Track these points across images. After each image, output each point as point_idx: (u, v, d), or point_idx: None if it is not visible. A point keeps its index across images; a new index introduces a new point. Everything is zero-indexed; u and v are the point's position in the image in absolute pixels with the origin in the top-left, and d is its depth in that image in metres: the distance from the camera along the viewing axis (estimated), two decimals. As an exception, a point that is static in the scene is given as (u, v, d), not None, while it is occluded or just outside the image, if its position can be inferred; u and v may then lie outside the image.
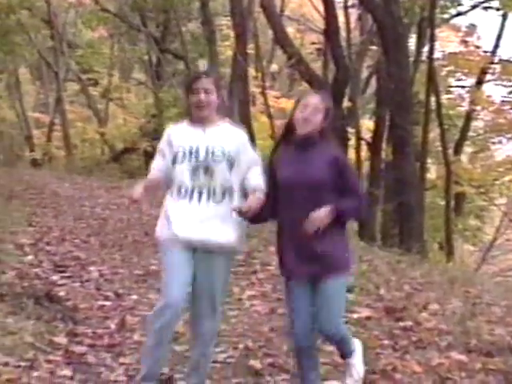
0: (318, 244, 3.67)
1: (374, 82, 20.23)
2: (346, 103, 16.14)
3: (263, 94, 18.08)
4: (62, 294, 6.11)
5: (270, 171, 3.85)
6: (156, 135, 24.14)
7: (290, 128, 3.83)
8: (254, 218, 3.78)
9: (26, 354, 4.44)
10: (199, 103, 3.90)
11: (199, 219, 3.81)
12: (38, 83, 31.01)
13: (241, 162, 3.91)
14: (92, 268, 7.22)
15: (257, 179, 3.89)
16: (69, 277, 6.86)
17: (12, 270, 6.87)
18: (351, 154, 17.86)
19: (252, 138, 17.47)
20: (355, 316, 5.65)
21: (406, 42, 13.03)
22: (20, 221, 9.93)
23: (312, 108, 3.74)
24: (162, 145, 4.01)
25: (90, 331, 5.11)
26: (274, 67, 25.98)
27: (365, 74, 21.23)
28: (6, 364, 4.24)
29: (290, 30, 22.17)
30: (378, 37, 14.10)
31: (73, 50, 26.53)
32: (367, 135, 18.37)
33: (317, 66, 19.45)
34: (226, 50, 23.00)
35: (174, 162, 3.91)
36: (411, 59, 14.98)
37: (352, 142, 17.18)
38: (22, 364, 4.28)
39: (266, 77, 19.57)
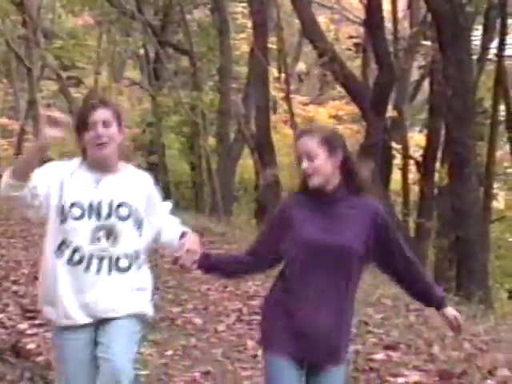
0: (337, 332, 3.68)
1: (426, 86, 20.25)
2: (390, 112, 16.15)
3: (287, 99, 18.12)
4: (31, 346, 6.10)
5: (278, 219, 3.78)
6: (152, 148, 24.36)
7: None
8: (208, 263, 3.87)
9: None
10: (98, 139, 3.84)
11: (99, 294, 3.80)
12: (5, 81, 31.28)
13: (152, 219, 3.94)
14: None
15: (175, 226, 3.99)
16: (40, 325, 6.83)
17: (-31, 315, 6.87)
18: (396, 175, 17.89)
19: (271, 154, 17.59)
20: (400, 380, 5.63)
21: (469, 35, 13.03)
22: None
23: (306, 156, 3.66)
24: (51, 171, 3.89)
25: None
26: (301, 66, 26.10)
27: (415, 75, 21.26)
28: None
29: (322, 19, 22.28)
30: (433, 29, 14.11)
31: (50, 40, 26.79)
32: (417, 153, 18.36)
33: (354, 66, 19.53)
34: (242, 44, 23.16)
35: (62, 214, 3.82)
36: (475, 57, 14.95)
37: (397, 160, 17.18)
38: None
39: (290, 78, 19.64)
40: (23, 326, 6.74)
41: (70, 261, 3.81)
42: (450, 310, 3.83)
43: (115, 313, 3.81)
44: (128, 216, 3.84)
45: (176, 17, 23.00)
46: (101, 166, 3.90)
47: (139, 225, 3.88)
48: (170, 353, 6.32)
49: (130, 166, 4.03)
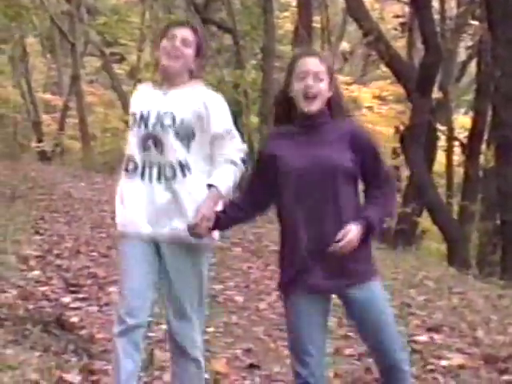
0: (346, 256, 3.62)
1: (472, 66, 20.02)
2: (435, 93, 16.00)
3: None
4: (74, 320, 6.16)
5: (262, 160, 3.77)
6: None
7: (286, 104, 3.72)
8: (220, 223, 3.83)
9: (29, 393, 4.48)
10: (171, 50, 3.93)
11: (154, 205, 3.87)
12: (49, 57, 31.46)
13: (204, 135, 3.93)
14: (112, 289, 7.26)
15: (223, 167, 3.91)
16: (84, 299, 6.92)
17: (14, 288, 6.96)
18: (441, 157, 17.75)
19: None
20: (444, 363, 5.60)
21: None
22: (25, 227, 10.07)
23: (313, 75, 3.62)
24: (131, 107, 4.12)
25: (109, 368, 5.10)
26: (345, 46, 25.91)
27: (462, 56, 21.03)
28: (5, 406, 4.29)
29: (367, -2, 22.09)
30: (482, 8, 13.92)
31: (93, 16, 26.90)
32: (462, 134, 18.19)
33: (400, 46, 19.35)
34: (285, 23, 23.07)
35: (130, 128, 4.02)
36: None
37: (442, 142, 17.04)
38: (24, 407, 4.32)
39: (335, 57, 19.53)
40: (67, 299, 6.82)
41: (126, 171, 3.96)
42: (352, 227, 3.56)
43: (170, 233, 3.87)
44: (169, 126, 3.89)
45: (220, -6, 22.96)
46: (166, 79, 4.00)
47: (182, 137, 3.89)
48: (211, 330, 6.33)
49: (200, 85, 4.05)
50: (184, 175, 3.88)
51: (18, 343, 5.38)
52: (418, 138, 14.05)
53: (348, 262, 3.61)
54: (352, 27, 23.41)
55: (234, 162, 3.93)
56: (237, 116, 21.86)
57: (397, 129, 17.04)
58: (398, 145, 16.39)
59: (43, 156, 26.43)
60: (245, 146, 4.04)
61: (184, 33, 3.96)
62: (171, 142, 3.87)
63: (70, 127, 28.36)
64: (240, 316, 6.87)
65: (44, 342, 5.49)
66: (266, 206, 3.89)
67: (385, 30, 18.81)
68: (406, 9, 19.52)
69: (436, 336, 6.31)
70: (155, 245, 3.95)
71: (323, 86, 3.63)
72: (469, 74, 22.07)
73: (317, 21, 19.03)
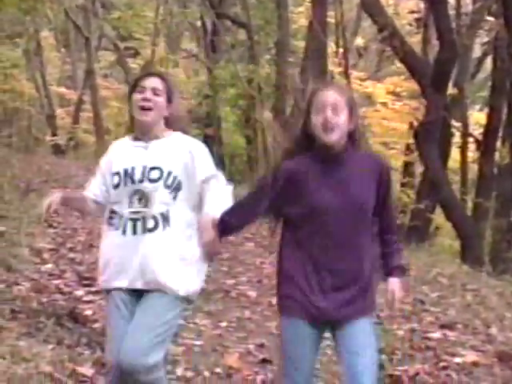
0: (358, 284, 3.64)
1: (488, 63, 19.95)
2: (450, 89, 15.94)
3: (345, 74, 17.99)
4: (88, 313, 6.19)
5: (283, 178, 3.68)
6: (208, 120, 24.42)
7: (306, 137, 3.70)
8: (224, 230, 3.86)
9: (42, 386, 4.48)
10: (143, 102, 3.96)
11: (136, 256, 3.86)
12: (63, 51, 31.54)
13: (191, 184, 3.94)
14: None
15: (213, 199, 3.92)
16: (97, 292, 6.92)
17: (27, 280, 6.98)
18: (455, 154, 17.70)
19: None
20: (458, 360, 5.59)
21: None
22: (38, 220, 10.09)
23: (332, 108, 3.61)
24: (103, 163, 4.14)
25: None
26: (360, 41, 25.87)
27: (477, 52, 20.95)
28: (18, 398, 4.30)
29: (382, -7, 22.04)
30: (499, 4, 13.84)
31: (108, 11, 26.94)
32: (477, 131, 18.11)
33: (415, 41, 19.28)
34: (300, 18, 23.03)
35: (110, 186, 4.02)
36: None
37: (457, 138, 16.97)
38: (37, 399, 4.33)
39: (349, 53, 19.48)
40: (80, 292, 6.85)
41: (111, 226, 3.96)
42: (394, 282, 3.72)
43: (155, 284, 3.86)
44: (158, 179, 3.90)
45: (234, -11, 22.96)
46: (143, 133, 4.03)
47: (172, 188, 3.91)
48: (224, 324, 6.35)
49: (179, 134, 4.06)
50: (164, 227, 3.89)
51: (31, 336, 5.40)
52: (432, 135, 13.99)
53: (360, 296, 3.64)
54: (367, 23, 23.37)
55: (226, 195, 3.99)
56: (250, 111, 21.90)
57: (411, 125, 16.99)
58: (412, 141, 16.34)
59: (57, 149, 26.49)
60: (231, 187, 4.07)
61: (153, 83, 4.00)
62: (159, 195, 3.89)
63: (84, 121, 28.41)
64: (253, 311, 6.88)
65: (57, 335, 5.51)
66: (254, 220, 3.91)
67: (400, 26, 18.76)
68: (421, 4, 19.44)
69: (449, 333, 6.31)
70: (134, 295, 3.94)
71: (342, 118, 3.62)
72: (484, 71, 21.98)
73: (331, 16, 18.96)
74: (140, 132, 4.04)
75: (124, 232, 3.90)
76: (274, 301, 7.02)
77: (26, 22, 26.05)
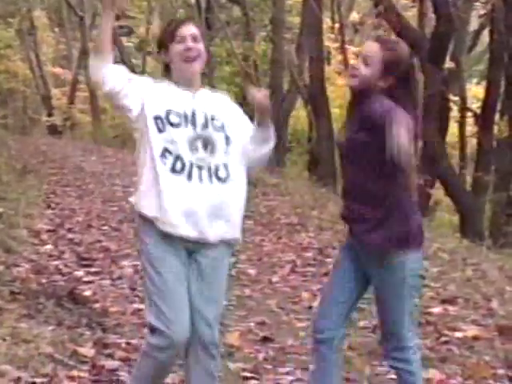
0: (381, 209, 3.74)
1: (485, 36, 19.87)
2: (448, 63, 15.90)
3: (342, 49, 17.96)
4: (88, 293, 6.20)
5: None
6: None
7: None
8: None
9: (43, 367, 4.47)
10: (188, 52, 3.82)
11: (204, 206, 3.73)
12: (57, 30, 31.40)
13: (240, 137, 3.90)
14: (125, 262, 7.30)
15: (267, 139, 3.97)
16: (96, 273, 6.95)
17: (26, 262, 6.99)
18: (453, 128, 17.67)
19: (326, 105, 17.49)
20: (459, 335, 5.61)
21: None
22: (36, 201, 10.11)
23: (363, 57, 3.74)
24: (144, 84, 3.89)
25: (123, 341, 5.15)
26: (355, 16, 25.78)
27: (474, 25, 20.88)
28: (19, 379, 4.27)
29: (378, -33, 21.94)
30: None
31: (102, -11, 26.80)
32: (475, 105, 18.08)
33: (411, 15, 19.21)
34: (295, -6, 22.93)
35: (160, 122, 3.78)
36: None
37: (455, 113, 16.93)
38: (38, 380, 4.31)
39: (345, 28, 19.43)
40: (79, 273, 6.86)
41: (172, 169, 3.76)
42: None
43: (217, 234, 3.78)
44: (221, 128, 3.83)
45: (228, -35, 22.85)
46: (186, 84, 3.87)
47: (227, 141, 3.85)
48: (224, 303, 6.35)
49: (207, 88, 4.01)
50: (230, 177, 3.81)
51: (31, 317, 5.40)
52: (430, 109, 13.96)
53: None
54: (363, -3, 23.28)
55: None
56: (246, 89, 21.86)
57: (409, 99, 16.90)
58: (410, 116, 16.29)
59: (53, 130, 26.46)
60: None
61: (191, 30, 3.86)
62: (221, 144, 3.82)
63: (80, 101, 28.35)
64: (253, 289, 6.88)
65: (57, 316, 5.52)
66: None
67: (395, 0, 18.69)
68: (418, -22, 19.34)
69: (450, 308, 6.31)
70: (189, 250, 3.82)
71: (369, 71, 3.70)
72: (481, 44, 21.90)
73: (327, -9, 18.91)
74: (184, 82, 3.87)
75: (189, 177, 3.74)
76: (275, 279, 7.11)
77: (18, 2, 25.95)
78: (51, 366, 4.50)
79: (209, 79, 22.84)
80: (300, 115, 22.19)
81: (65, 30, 29.20)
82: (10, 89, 29.27)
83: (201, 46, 3.86)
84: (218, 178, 3.77)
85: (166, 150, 3.77)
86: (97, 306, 5.91)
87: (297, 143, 23.74)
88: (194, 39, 3.84)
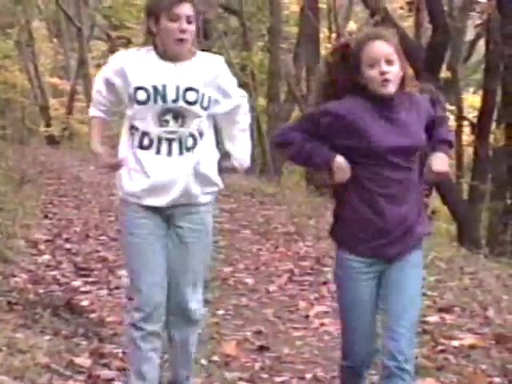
0: (412, 213, 3.70)
1: (481, 45, 19.92)
2: (444, 73, 15.94)
3: (338, 58, 17.93)
4: (85, 303, 6.19)
5: (340, 118, 3.64)
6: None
7: (357, 85, 3.66)
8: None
9: (39, 377, 4.46)
10: (181, 34, 3.83)
11: (172, 175, 3.86)
12: (56, 41, 31.45)
13: (220, 102, 3.98)
14: (122, 272, 7.26)
15: (241, 144, 4.13)
16: (94, 282, 6.94)
17: (24, 272, 6.98)
18: (450, 137, 17.70)
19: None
20: (455, 343, 5.58)
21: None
22: (34, 211, 10.09)
23: (385, 59, 3.59)
24: (109, 73, 4.01)
25: (120, 351, 5.13)
26: (352, 26, 25.81)
27: (470, 35, 20.92)
28: (15, 390, 4.28)
29: (375, -23, 21.99)
30: (490, -14, 13.80)
31: (99, 0, 26.84)
32: (471, 114, 18.11)
33: (407, 25, 19.25)
34: (292, 4, 22.97)
35: (130, 100, 3.89)
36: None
37: (451, 122, 16.96)
38: (35, 390, 4.31)
39: (341, 38, 19.44)
40: (77, 283, 6.85)
41: (140, 146, 3.88)
42: (436, 156, 3.70)
43: (190, 198, 3.92)
44: (195, 101, 3.86)
45: (226, -24, 22.89)
46: (169, 58, 3.91)
47: (206, 107, 3.91)
48: (221, 312, 6.35)
49: (201, 53, 4.02)
50: (201, 141, 3.92)
51: (28, 327, 5.39)
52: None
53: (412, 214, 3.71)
54: (359, 7, 23.31)
55: (246, 130, 4.17)
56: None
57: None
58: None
59: (51, 140, 26.46)
60: (246, 99, 4.17)
61: (187, 10, 3.84)
62: (194, 114, 3.86)
63: (78, 111, 28.35)
64: (250, 298, 6.87)
65: (54, 326, 5.50)
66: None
67: (392, 10, 18.74)
68: (414, -12, 19.39)
69: (447, 316, 6.29)
70: (167, 215, 3.97)
71: (397, 67, 3.61)
72: (477, 53, 21.95)
73: (323, 1, 18.92)
74: (168, 55, 3.90)
75: (158, 152, 3.85)
76: (272, 288, 7.10)
77: (16, 13, 25.97)
78: (47, 377, 4.48)
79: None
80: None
81: (63, 41, 29.24)
82: (8, 99, 29.28)
83: (193, 27, 3.86)
84: (187, 149, 3.87)
85: (132, 127, 3.89)
86: (94, 315, 5.90)
87: (294, 153, 23.70)
88: (189, 20, 3.84)
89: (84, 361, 4.87)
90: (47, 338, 5.20)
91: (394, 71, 3.59)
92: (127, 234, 3.99)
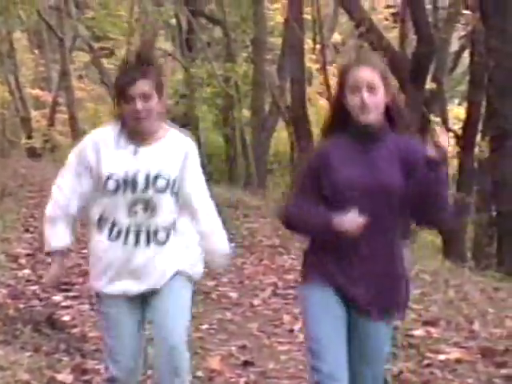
0: (396, 265, 3.55)
1: (466, 57, 20.01)
2: (429, 84, 16.00)
3: (323, 70, 18.00)
4: (66, 318, 6.17)
5: (317, 170, 3.55)
6: (186, 121, 24.36)
7: (341, 115, 3.56)
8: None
9: (20, 394, 4.47)
10: (136, 114, 3.77)
11: (138, 266, 3.83)
12: (37, 52, 31.38)
13: (184, 185, 3.89)
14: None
15: (211, 220, 4.00)
16: (75, 297, 6.91)
17: (3, 287, 6.96)
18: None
19: (307, 126, 17.49)
20: (441, 357, 5.59)
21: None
22: (14, 225, 10.05)
23: (367, 87, 3.47)
24: (76, 160, 3.91)
25: (102, 367, 5.10)
26: (337, 37, 25.91)
27: (455, 46, 21.02)
28: (-4, 407, 4.27)
29: (359, -11, 22.10)
30: (474, -2, 13.88)
31: (82, 11, 26.80)
32: (456, 125, 18.16)
33: (392, 36, 19.33)
34: (276, 15, 23.02)
35: (98, 187, 3.84)
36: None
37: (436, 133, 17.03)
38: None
39: (326, 49, 19.50)
40: (58, 298, 6.82)
41: (109, 236, 3.84)
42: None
43: (160, 280, 3.85)
44: (166, 188, 3.80)
45: (209, -14, 22.93)
46: (139, 137, 3.86)
47: (177, 194, 3.85)
48: (205, 327, 6.34)
49: (173, 130, 3.97)
50: (174, 235, 3.87)
51: (8, 343, 5.37)
52: (411, 130, 14.02)
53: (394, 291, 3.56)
54: (344, 18, 23.38)
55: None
56: (228, 110, 21.88)
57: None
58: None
59: (33, 152, 26.36)
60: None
61: (141, 87, 3.75)
62: (167, 204, 3.82)
63: (60, 123, 28.29)
64: (234, 312, 6.87)
65: (35, 342, 5.48)
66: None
67: (377, 21, 18.81)
68: (398, -1, 19.50)
69: (433, 330, 6.30)
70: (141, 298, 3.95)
71: (379, 97, 3.49)
72: (462, 65, 22.05)
73: (308, 12, 18.97)
74: (135, 135, 3.84)
75: (125, 242, 3.81)
76: (256, 302, 7.09)
77: (-3, 23, 25.90)
78: (28, 394, 4.48)
79: (190, 101, 22.90)
80: (281, 136, 22.21)
81: (44, 52, 29.16)
82: (-12, 111, 29.24)
83: (151, 103, 3.78)
84: (157, 241, 3.82)
85: (101, 218, 3.85)
86: (75, 331, 5.89)
87: (278, 165, 23.76)
88: (144, 97, 3.76)
89: (66, 377, 4.86)
90: (28, 354, 5.18)
91: (376, 100, 3.48)
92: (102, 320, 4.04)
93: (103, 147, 3.84)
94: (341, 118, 3.57)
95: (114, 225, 3.82)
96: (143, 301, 3.93)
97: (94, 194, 3.87)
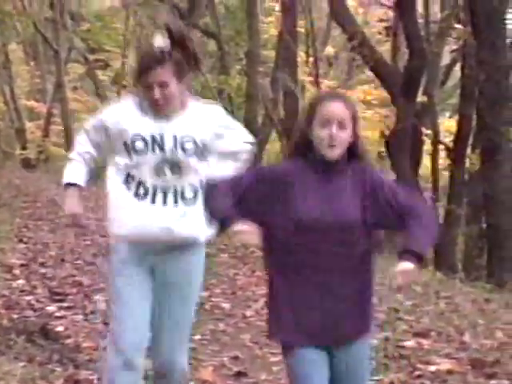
0: (356, 299, 3.41)
1: (457, 70, 20.08)
2: (420, 97, 16.05)
3: (316, 83, 18.05)
4: (60, 329, 6.14)
5: (276, 180, 3.38)
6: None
7: (306, 145, 3.42)
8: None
9: (13, 405, 4.45)
10: (155, 102, 3.83)
11: (165, 222, 3.84)
12: (32, 64, 31.39)
13: (218, 147, 3.97)
14: (98, 297, 7.24)
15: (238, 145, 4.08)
16: (69, 307, 6.89)
17: (-2, 297, 6.93)
18: (426, 161, 17.79)
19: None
20: (432, 368, 5.58)
21: (503, 19, 12.87)
22: (8, 235, 10.03)
23: (337, 122, 3.34)
24: (108, 117, 3.96)
25: (95, 378, 5.10)
26: (330, 50, 25.97)
27: (446, 59, 21.08)
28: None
29: (351, 3, 22.15)
30: (466, 12, 13.93)
31: (77, 23, 26.83)
32: (447, 138, 18.22)
33: (384, 50, 19.38)
34: (270, 28, 23.07)
35: (125, 148, 3.87)
36: (509, 41, 14.77)
37: (427, 146, 17.06)
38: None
39: (319, 62, 19.54)
40: (52, 308, 6.81)
41: (136, 194, 3.85)
42: (405, 264, 3.20)
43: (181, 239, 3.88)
44: (193, 150, 3.85)
45: (204, -1, 22.95)
46: (160, 116, 3.90)
47: (205, 157, 3.89)
48: (198, 337, 6.31)
49: (198, 103, 4.01)
50: (199, 195, 3.86)
51: (1, 353, 5.35)
52: (403, 143, 14.06)
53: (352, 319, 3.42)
54: (336, 32, 23.41)
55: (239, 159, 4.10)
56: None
57: (382, 133, 17.06)
58: (383, 149, 16.41)
59: (27, 163, 26.35)
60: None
61: (158, 76, 3.78)
62: (193, 165, 3.85)
63: (55, 134, 28.27)
64: (227, 323, 6.85)
65: (28, 352, 5.46)
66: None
67: (369, 35, 18.86)
68: (391, 13, 19.54)
69: (424, 341, 6.30)
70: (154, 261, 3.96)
71: (347, 135, 3.38)
72: (453, 78, 22.11)
73: (301, 25, 19.02)
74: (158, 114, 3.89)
75: (153, 201, 3.82)
76: (249, 313, 7.07)
77: (-7, 35, 25.91)
78: (21, 404, 4.47)
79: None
80: (274, 148, 22.24)
81: (40, 64, 29.18)
82: (-17, 122, 29.23)
83: (169, 89, 3.80)
84: (184, 200, 3.85)
85: (128, 176, 3.85)
86: (69, 341, 5.86)
87: (271, 176, 23.74)
88: (161, 86, 3.79)
89: (59, 387, 4.84)
90: (21, 364, 5.15)
91: (343, 136, 3.36)
92: (114, 277, 3.98)
93: (127, 112, 3.90)
94: (303, 147, 3.44)
95: (139, 184, 3.84)
96: (154, 266, 3.95)
97: (119, 153, 3.89)
